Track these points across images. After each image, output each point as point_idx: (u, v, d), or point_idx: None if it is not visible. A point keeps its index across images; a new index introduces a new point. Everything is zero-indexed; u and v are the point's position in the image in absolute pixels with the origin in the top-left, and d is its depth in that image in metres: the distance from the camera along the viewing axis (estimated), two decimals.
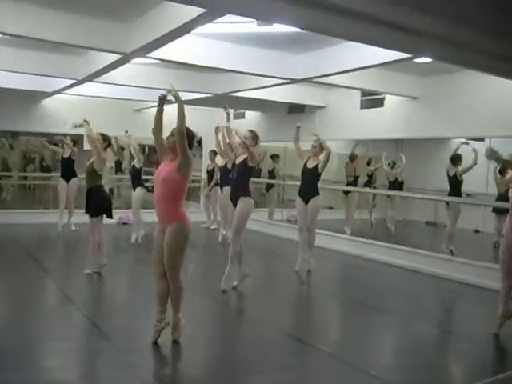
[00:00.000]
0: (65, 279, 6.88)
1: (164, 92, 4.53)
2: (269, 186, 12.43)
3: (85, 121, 7.30)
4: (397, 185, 11.09)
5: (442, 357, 4.94)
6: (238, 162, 6.55)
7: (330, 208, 13.50)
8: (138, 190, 9.30)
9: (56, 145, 11.41)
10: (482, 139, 9.03)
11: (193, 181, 14.66)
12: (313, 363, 4.54)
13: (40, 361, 4.35)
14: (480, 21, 4.58)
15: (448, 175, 8.76)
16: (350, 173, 11.44)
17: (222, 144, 8.00)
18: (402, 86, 8.92)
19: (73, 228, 10.18)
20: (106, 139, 7.16)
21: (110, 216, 6.96)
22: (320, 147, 7.55)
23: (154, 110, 12.03)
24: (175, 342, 4.54)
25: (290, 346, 4.85)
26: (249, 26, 6.05)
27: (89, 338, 4.78)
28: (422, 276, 8.01)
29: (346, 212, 11.31)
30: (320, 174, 7.56)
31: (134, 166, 9.51)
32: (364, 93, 10.04)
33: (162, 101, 4.56)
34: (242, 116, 13.65)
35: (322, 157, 7.57)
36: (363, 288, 7.42)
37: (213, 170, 11.74)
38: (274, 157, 13.33)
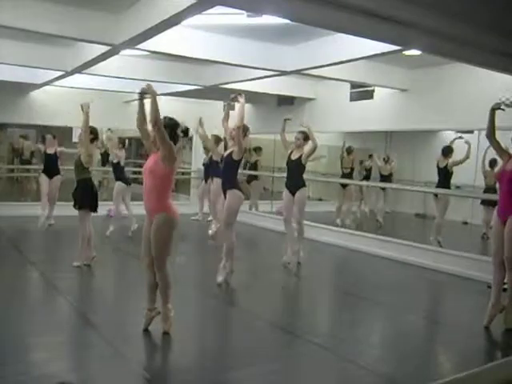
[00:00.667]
0: (52, 272, 6.85)
1: (144, 86, 4.53)
2: (250, 178, 12.43)
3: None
4: (389, 178, 11.18)
5: (431, 348, 5.00)
6: (225, 154, 6.56)
7: (320, 200, 13.56)
8: (117, 183, 9.44)
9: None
10: (471, 131, 9.09)
11: (182, 173, 14.67)
12: (302, 354, 4.56)
13: (29, 354, 4.34)
14: (470, 14, 4.61)
15: (438, 167, 8.80)
16: (346, 165, 11.44)
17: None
18: (391, 79, 8.94)
19: (52, 222, 9.89)
20: (93, 132, 7.09)
21: (93, 210, 6.95)
22: (303, 139, 7.56)
23: (145, 101, 12.02)
24: (166, 334, 4.56)
25: (280, 337, 4.87)
26: (238, 17, 6.04)
27: (78, 331, 4.77)
28: (412, 267, 8.06)
29: (341, 204, 11.29)
30: (304, 166, 7.58)
31: (111, 160, 9.73)
32: (353, 85, 10.06)
33: (142, 95, 4.56)
34: (232, 108, 13.60)
35: (306, 148, 7.57)
36: (353, 280, 7.46)
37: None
38: (257, 149, 13.36)
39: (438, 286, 7.38)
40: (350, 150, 11.51)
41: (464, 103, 8.16)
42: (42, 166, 10.34)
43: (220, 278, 6.31)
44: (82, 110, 6.97)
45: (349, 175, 11.41)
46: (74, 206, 6.91)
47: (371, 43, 6.07)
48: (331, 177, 12.99)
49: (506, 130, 5.94)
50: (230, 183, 6.52)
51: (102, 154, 13.63)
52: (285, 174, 8.08)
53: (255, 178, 12.46)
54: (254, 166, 12.78)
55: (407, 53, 6.79)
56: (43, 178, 10.07)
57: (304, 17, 4.91)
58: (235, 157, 6.42)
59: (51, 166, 10.02)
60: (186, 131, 4.69)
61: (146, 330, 4.62)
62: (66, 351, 4.32)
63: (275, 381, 3.98)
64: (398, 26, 4.73)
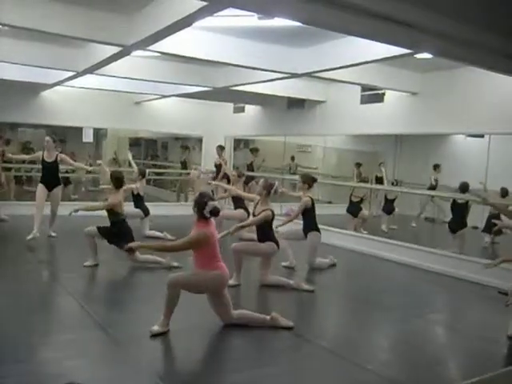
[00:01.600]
0: (63, 271, 6.88)
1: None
2: (248, 179, 12.32)
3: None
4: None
5: (441, 353, 4.96)
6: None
7: (330, 203, 13.54)
8: (137, 211, 9.41)
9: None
10: (481, 135, 9.05)
11: (188, 173, 14.69)
12: (309, 357, 4.55)
13: (39, 353, 4.37)
14: (482, 18, 4.59)
15: (456, 202, 8.85)
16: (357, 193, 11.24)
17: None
18: (402, 82, 8.92)
19: (53, 234, 9.11)
20: (119, 180, 7.28)
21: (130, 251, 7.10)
22: (303, 182, 7.86)
23: (155, 102, 12.17)
24: (173, 335, 4.58)
25: (288, 340, 4.86)
26: (249, 19, 6.04)
27: (87, 331, 4.78)
28: (422, 272, 8.04)
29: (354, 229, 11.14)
30: (308, 210, 7.72)
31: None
32: (364, 88, 10.03)
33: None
34: (242, 110, 13.66)
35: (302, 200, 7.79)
36: (363, 283, 7.44)
37: (220, 164, 11.74)
38: (253, 150, 13.34)
39: (448, 291, 7.34)
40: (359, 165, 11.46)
41: (475, 107, 8.12)
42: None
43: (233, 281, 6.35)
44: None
45: (358, 204, 10.95)
46: (109, 242, 7.13)
47: (382, 46, 6.05)
48: (341, 180, 12.98)
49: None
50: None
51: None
52: (294, 177, 8.15)
53: (252, 178, 12.34)
54: (251, 167, 12.77)
55: (419, 56, 6.76)
56: (40, 189, 8.80)
57: (315, 19, 4.91)
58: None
59: (50, 176, 8.86)
60: (214, 211, 4.76)
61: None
62: (75, 351, 4.32)
63: (281, 383, 3.98)
64: (410, 29, 4.71)
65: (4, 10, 5.74)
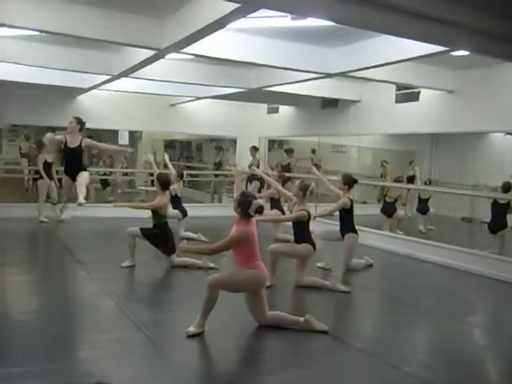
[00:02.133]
0: (100, 271, 6.98)
1: None
2: (284, 180, 12.25)
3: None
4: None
5: (479, 355, 4.87)
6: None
7: (364, 203, 13.42)
8: (175, 212, 9.44)
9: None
10: None
11: (225, 175, 14.77)
12: (345, 359, 4.51)
13: (77, 352, 4.44)
14: None
15: (496, 201, 8.70)
16: (391, 194, 11.11)
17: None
18: (437, 80, 8.78)
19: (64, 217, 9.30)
20: (166, 182, 7.45)
21: (171, 253, 7.27)
22: (343, 184, 7.77)
23: (189, 104, 12.25)
24: (208, 336, 4.61)
25: (324, 342, 4.82)
26: (283, 20, 6.03)
27: (124, 330, 4.83)
28: (459, 273, 7.91)
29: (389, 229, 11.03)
30: (347, 211, 7.68)
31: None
32: (399, 87, 9.92)
33: None
34: (276, 111, 13.65)
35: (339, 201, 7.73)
36: (398, 284, 7.36)
37: (252, 165, 11.75)
38: (289, 151, 13.28)
39: (488, 293, 7.20)
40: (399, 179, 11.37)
41: None
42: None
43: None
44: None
45: (392, 204, 10.89)
46: (151, 243, 7.27)
47: (418, 44, 5.98)
48: (375, 179, 12.88)
49: None
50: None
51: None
52: (328, 177, 8.10)
53: (289, 179, 12.32)
54: (287, 168, 12.72)
55: (455, 53, 6.64)
56: (66, 183, 7.89)
57: (349, 19, 4.88)
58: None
59: (74, 165, 7.58)
60: (259, 209, 4.83)
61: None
62: (112, 350, 4.38)
63: None
64: (446, 26, 4.65)
65: (41, 17, 5.86)
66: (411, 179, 11.71)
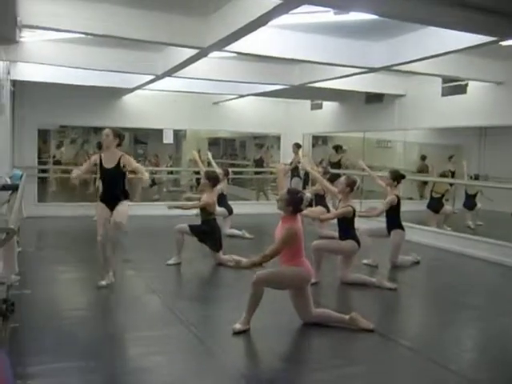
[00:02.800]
0: (146, 270, 7.08)
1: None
2: (333, 178, 12.11)
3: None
4: None
5: None
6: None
7: (411, 199, 13.21)
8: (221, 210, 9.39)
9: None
10: None
11: (271, 172, 14.77)
12: (392, 357, 4.46)
13: (124, 349, 4.52)
14: None
15: None
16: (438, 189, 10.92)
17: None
18: (485, 71, 8.54)
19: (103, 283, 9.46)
20: (216, 179, 7.60)
21: (218, 250, 7.36)
22: (392, 180, 7.69)
23: (233, 102, 12.28)
24: (254, 333, 4.62)
25: (370, 339, 4.77)
26: (325, 15, 5.97)
27: (171, 327, 4.89)
28: (508, 270, 7.71)
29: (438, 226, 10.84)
30: (393, 208, 7.55)
31: None
32: (445, 79, 9.71)
33: None
34: (320, 107, 13.56)
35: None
36: (446, 282, 7.22)
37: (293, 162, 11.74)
38: (338, 148, 13.14)
39: None
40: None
41: None
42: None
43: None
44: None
45: (439, 200, 10.66)
46: (199, 240, 7.41)
47: (464, 35, 5.83)
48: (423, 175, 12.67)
49: None
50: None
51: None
52: (376, 172, 8.02)
53: (338, 176, 12.19)
54: (338, 165, 12.60)
55: (504, 43, 6.45)
56: (100, 211, 9.15)
57: (392, 11, 4.81)
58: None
59: (112, 189, 8.04)
60: (310, 202, 4.94)
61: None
62: (159, 347, 4.44)
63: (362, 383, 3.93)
64: (495, 16, 4.52)
65: (85, 20, 5.97)
66: (452, 174, 11.47)
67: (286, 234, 4.74)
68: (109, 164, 6.00)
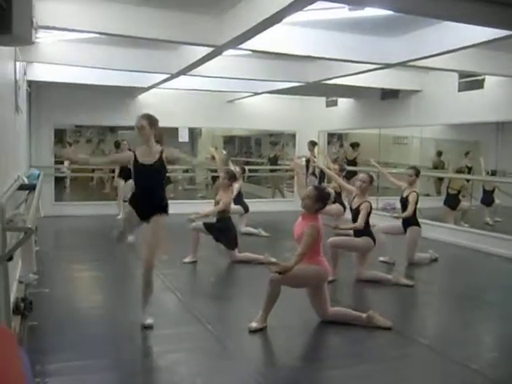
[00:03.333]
0: (163, 268, 7.11)
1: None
2: (351, 175, 12.04)
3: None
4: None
5: None
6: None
7: (428, 195, 13.11)
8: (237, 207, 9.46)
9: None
10: None
11: (286, 170, 14.75)
12: (411, 355, 4.44)
13: (142, 346, 4.54)
14: None
15: None
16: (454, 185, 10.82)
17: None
18: (503, 66, 8.43)
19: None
20: (232, 177, 7.54)
21: (233, 247, 7.35)
22: (415, 175, 7.66)
23: (247, 100, 12.22)
24: (270, 331, 4.61)
25: (387, 337, 4.74)
26: (340, 11, 5.95)
27: (187, 325, 4.91)
28: None
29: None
30: (411, 205, 7.48)
31: None
32: (462, 75, 9.62)
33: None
34: (335, 104, 13.51)
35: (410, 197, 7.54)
36: (465, 279, 7.17)
37: (308, 160, 11.69)
38: (354, 145, 13.08)
39: None
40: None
41: None
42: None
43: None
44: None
45: (456, 196, 10.56)
46: (215, 238, 7.41)
47: (480, 29, 5.76)
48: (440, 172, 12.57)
49: None
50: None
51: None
52: (391, 170, 7.96)
53: (355, 174, 12.14)
54: (354, 163, 12.55)
55: None
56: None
57: (407, 7, 4.77)
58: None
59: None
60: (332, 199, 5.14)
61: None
62: (176, 345, 4.46)
63: (380, 382, 3.90)
64: (511, 9, 4.46)
65: (101, 20, 6.00)
66: (468, 171, 11.37)
67: (312, 230, 4.73)
68: (147, 159, 4.71)
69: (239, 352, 4.38)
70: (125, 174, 10.60)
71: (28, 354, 2.34)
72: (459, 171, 10.99)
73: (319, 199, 4.83)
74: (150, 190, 4.77)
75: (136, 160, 4.72)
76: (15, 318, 4.40)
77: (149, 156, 4.72)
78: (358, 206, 6.52)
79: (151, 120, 4.76)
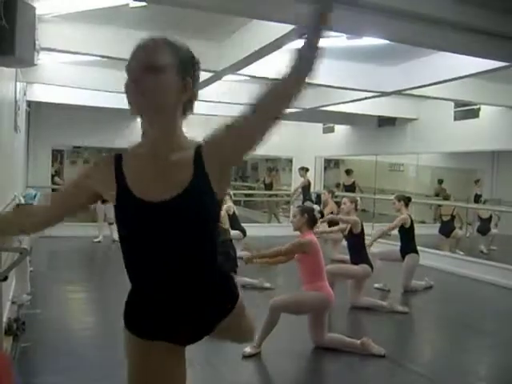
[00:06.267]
0: None
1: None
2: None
3: None
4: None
5: None
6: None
7: (423, 222, 13.16)
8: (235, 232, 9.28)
9: None
10: None
11: (281, 196, 14.79)
12: (403, 383, 4.41)
13: None
14: None
15: None
16: (445, 212, 10.86)
17: None
18: (498, 96, 8.54)
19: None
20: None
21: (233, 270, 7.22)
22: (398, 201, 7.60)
23: None
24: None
25: (381, 365, 4.72)
26: (338, 39, 6.03)
27: None
28: None
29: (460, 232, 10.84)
30: (407, 230, 7.49)
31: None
32: (457, 104, 9.73)
33: None
34: (332, 130, 13.61)
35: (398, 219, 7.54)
36: (460, 307, 7.14)
37: (306, 186, 11.75)
38: (349, 171, 13.18)
39: None
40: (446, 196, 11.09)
41: None
42: None
43: None
44: None
45: (449, 223, 10.62)
46: None
47: (476, 60, 5.85)
48: (434, 199, 12.63)
49: None
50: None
51: None
52: (385, 196, 7.97)
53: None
54: (351, 188, 12.62)
55: None
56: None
57: (405, 37, 4.83)
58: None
59: None
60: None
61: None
62: None
63: None
64: (507, 41, 4.54)
65: (104, 43, 6.08)
66: (477, 198, 11.44)
67: (297, 241, 4.83)
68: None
69: (232, 377, 4.34)
70: None
71: (20, 376, 2.33)
72: (445, 198, 11.07)
73: (304, 211, 4.93)
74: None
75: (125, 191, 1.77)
76: (7, 338, 4.36)
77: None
78: (351, 229, 6.59)
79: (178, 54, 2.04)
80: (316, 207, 5.13)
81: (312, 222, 4.94)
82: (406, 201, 7.62)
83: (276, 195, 15.27)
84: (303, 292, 4.77)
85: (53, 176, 14.13)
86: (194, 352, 4.65)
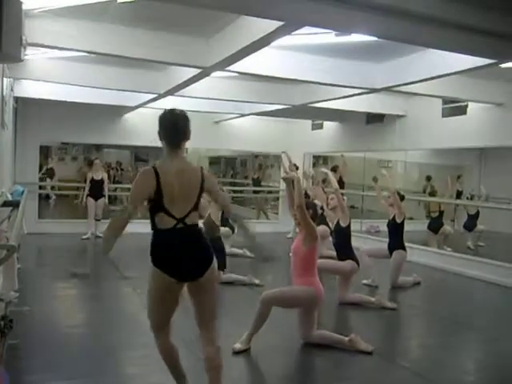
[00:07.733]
0: (144, 287, 7.04)
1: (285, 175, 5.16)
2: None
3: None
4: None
5: None
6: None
7: (411, 219, 13.21)
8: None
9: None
10: None
11: (270, 192, 14.79)
12: (392, 379, 4.44)
13: (123, 367, 4.50)
14: None
15: None
16: (434, 208, 10.99)
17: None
18: (485, 93, 8.59)
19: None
20: None
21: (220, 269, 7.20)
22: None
23: (234, 121, 12.21)
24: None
25: (369, 360, 4.74)
26: (326, 36, 6.04)
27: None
28: (508, 290, 7.68)
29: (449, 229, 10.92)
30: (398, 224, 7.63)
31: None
32: (445, 100, 9.77)
33: (287, 181, 4.99)
34: (320, 127, 13.63)
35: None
36: (447, 302, 7.20)
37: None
38: (335, 168, 13.21)
39: None
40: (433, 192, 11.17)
41: None
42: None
43: None
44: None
45: (438, 219, 10.74)
46: None
47: (464, 57, 5.88)
48: (422, 195, 12.69)
49: None
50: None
51: None
52: (373, 193, 8.02)
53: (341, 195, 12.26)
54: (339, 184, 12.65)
55: (504, 65, 6.50)
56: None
57: (393, 34, 4.85)
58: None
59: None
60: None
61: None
62: (160, 365, 4.41)
63: None
64: (495, 38, 4.56)
65: (91, 39, 6.03)
66: (458, 195, 11.50)
67: (311, 222, 4.84)
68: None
69: (223, 374, 4.34)
70: (95, 191, 10.63)
71: (8, 373, 2.32)
72: (432, 194, 11.11)
73: (308, 207, 4.92)
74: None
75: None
76: None
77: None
78: (338, 221, 6.64)
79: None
80: (317, 202, 5.16)
81: (314, 215, 5.09)
82: (400, 196, 7.72)
83: (265, 192, 15.28)
84: (294, 286, 4.78)
85: (43, 175, 14.06)
86: (183, 348, 4.67)
